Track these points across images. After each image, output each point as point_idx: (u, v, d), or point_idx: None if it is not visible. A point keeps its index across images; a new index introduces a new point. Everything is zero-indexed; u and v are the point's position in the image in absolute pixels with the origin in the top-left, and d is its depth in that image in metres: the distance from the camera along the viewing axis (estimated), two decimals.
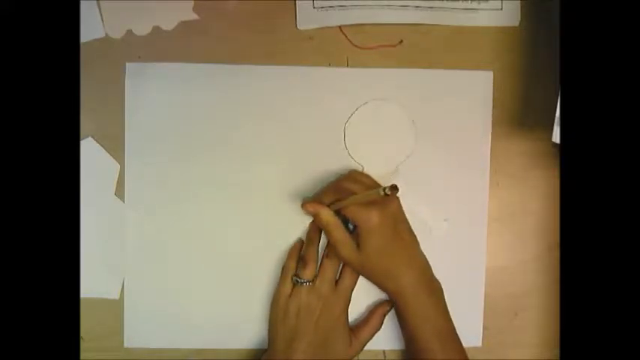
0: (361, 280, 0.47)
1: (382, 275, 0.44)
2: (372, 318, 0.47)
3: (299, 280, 0.45)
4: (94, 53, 0.47)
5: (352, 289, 0.46)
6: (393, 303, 0.46)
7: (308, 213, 0.45)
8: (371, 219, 0.42)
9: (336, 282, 0.46)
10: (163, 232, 0.48)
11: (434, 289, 0.45)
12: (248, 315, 0.49)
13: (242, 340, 0.49)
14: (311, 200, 0.45)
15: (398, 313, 0.45)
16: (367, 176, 0.47)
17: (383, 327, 0.47)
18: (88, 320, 0.47)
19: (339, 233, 0.44)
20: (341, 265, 0.47)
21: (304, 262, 0.46)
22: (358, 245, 0.43)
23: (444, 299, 0.45)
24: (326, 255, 0.46)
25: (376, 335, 0.47)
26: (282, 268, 0.48)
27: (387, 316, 0.48)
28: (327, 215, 0.43)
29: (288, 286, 0.46)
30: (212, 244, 0.48)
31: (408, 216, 0.46)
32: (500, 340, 0.49)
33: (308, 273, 0.45)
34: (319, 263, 0.47)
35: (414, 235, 0.46)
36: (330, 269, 0.46)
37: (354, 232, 0.44)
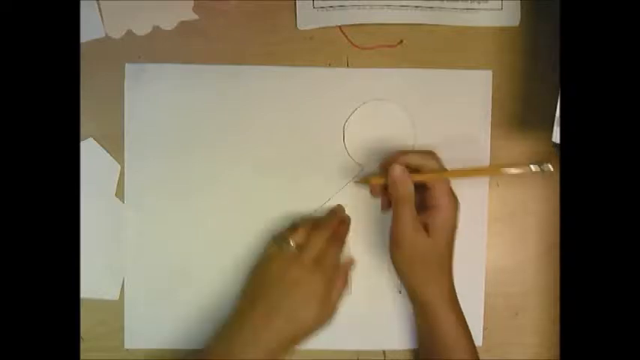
0: (361, 280, 0.46)
1: (433, 272, 0.42)
2: (338, 279, 0.43)
3: (284, 242, 0.42)
4: (94, 53, 0.47)
5: (342, 266, 0.44)
6: (423, 313, 0.43)
7: (394, 166, 0.40)
8: (457, 206, 0.41)
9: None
10: (163, 233, 0.48)
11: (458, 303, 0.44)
12: None
13: None
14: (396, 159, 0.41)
15: (428, 321, 0.43)
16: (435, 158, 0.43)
17: (383, 327, 0.47)
18: (88, 320, 0.48)
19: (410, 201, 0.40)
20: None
21: (294, 227, 0.44)
22: (426, 227, 0.40)
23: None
24: (315, 227, 0.44)
25: (376, 335, 0.47)
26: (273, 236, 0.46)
27: (387, 316, 0.48)
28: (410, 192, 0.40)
29: (273, 249, 0.44)
30: (212, 245, 0.48)
31: None
32: (500, 340, 0.49)
33: (296, 237, 0.43)
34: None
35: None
36: (317, 241, 0.43)
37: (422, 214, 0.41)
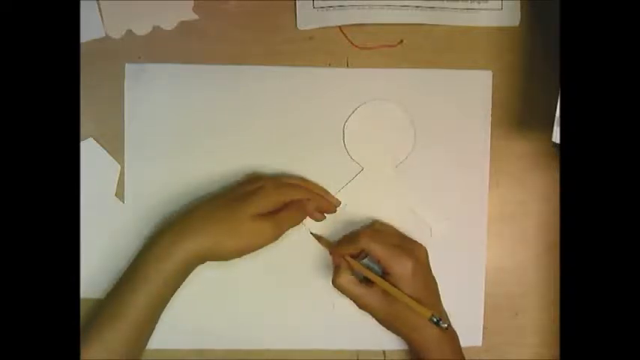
0: None
1: (407, 325, 0.44)
2: (291, 208, 0.45)
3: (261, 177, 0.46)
4: (94, 53, 0.47)
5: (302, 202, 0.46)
6: (414, 355, 0.46)
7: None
8: (406, 267, 0.43)
9: None
10: None
11: (455, 338, 0.45)
12: (247, 315, 0.49)
13: (241, 341, 0.49)
14: (336, 249, 0.46)
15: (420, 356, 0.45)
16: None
17: (382, 327, 0.47)
18: None
19: (357, 290, 0.44)
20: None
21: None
22: (384, 292, 0.43)
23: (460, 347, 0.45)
24: (295, 178, 0.47)
25: (376, 335, 0.47)
26: None
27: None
28: (345, 281, 0.44)
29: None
30: None
31: (408, 216, 0.46)
32: (500, 340, 0.49)
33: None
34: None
35: (437, 284, 0.46)
36: (288, 180, 0.46)
37: (382, 277, 0.44)
